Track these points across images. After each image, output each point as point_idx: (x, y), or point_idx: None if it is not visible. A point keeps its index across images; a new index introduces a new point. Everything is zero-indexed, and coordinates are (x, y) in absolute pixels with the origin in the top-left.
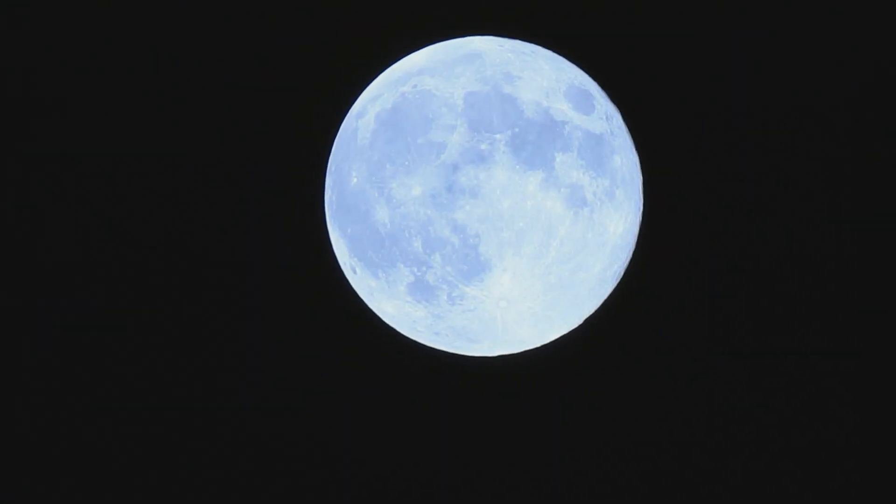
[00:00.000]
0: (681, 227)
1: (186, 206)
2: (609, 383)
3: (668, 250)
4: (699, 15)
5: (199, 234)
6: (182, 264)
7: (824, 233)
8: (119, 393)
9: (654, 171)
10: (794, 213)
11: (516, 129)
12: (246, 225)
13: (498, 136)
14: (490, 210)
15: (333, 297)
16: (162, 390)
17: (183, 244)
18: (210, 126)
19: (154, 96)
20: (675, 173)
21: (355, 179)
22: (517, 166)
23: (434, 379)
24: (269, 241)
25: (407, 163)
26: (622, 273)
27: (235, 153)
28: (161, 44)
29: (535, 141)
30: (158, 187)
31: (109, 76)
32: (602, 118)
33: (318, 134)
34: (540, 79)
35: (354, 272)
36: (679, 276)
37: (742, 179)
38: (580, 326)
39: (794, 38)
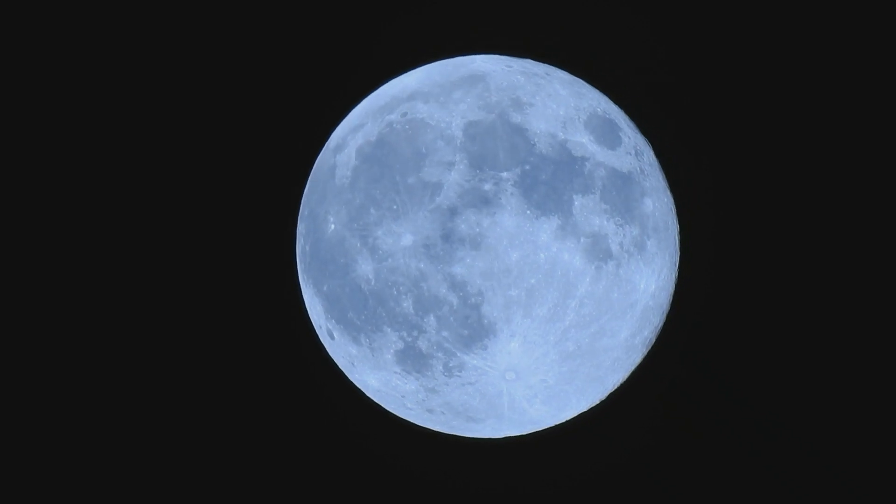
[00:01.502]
0: (723, 283)
1: (131, 261)
2: (636, 472)
3: (709, 311)
4: (748, 33)
5: (149, 287)
6: (129, 332)
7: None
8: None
9: (693, 218)
10: (858, 276)
11: (527, 167)
12: (202, 281)
13: (505, 174)
14: (495, 264)
15: (306, 367)
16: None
17: (126, 304)
18: (160, 161)
19: (105, 128)
20: (716, 220)
21: (333, 226)
22: (528, 211)
23: (427, 465)
24: (231, 301)
25: (395, 206)
26: (654, 340)
27: (189, 195)
28: (118, 73)
29: (550, 181)
30: (104, 230)
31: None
32: (630, 153)
33: (289, 171)
34: (555, 106)
35: (332, 337)
36: (721, 344)
37: (793, 228)
38: (602, 403)
39: (842, 65)
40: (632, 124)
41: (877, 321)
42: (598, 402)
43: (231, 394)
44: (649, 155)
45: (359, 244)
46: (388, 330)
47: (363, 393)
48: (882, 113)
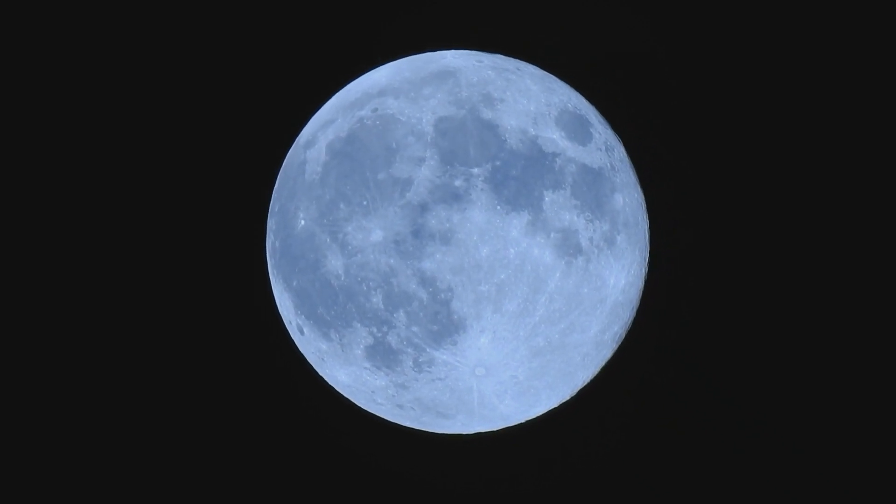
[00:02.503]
0: (693, 280)
1: (97, 255)
2: (606, 469)
3: (678, 308)
4: (722, 28)
5: (116, 282)
6: (95, 326)
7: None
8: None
9: (662, 214)
10: (833, 271)
11: (497, 163)
12: (172, 276)
13: (475, 170)
14: (465, 259)
15: (276, 362)
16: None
17: (93, 298)
18: (128, 156)
19: (72, 123)
20: (687, 217)
21: (303, 222)
22: (498, 207)
23: (397, 461)
24: (200, 296)
25: (365, 202)
26: (623, 336)
27: (159, 190)
28: (86, 66)
29: (520, 176)
30: (68, 224)
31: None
32: (601, 149)
33: (259, 167)
34: (526, 102)
35: (302, 333)
36: (691, 340)
37: (765, 223)
38: (572, 399)
39: (818, 50)
40: (603, 120)
41: (852, 312)
42: (568, 397)
43: (199, 389)
44: (620, 151)
45: (329, 240)
46: (358, 325)
47: (333, 388)
48: (858, 102)
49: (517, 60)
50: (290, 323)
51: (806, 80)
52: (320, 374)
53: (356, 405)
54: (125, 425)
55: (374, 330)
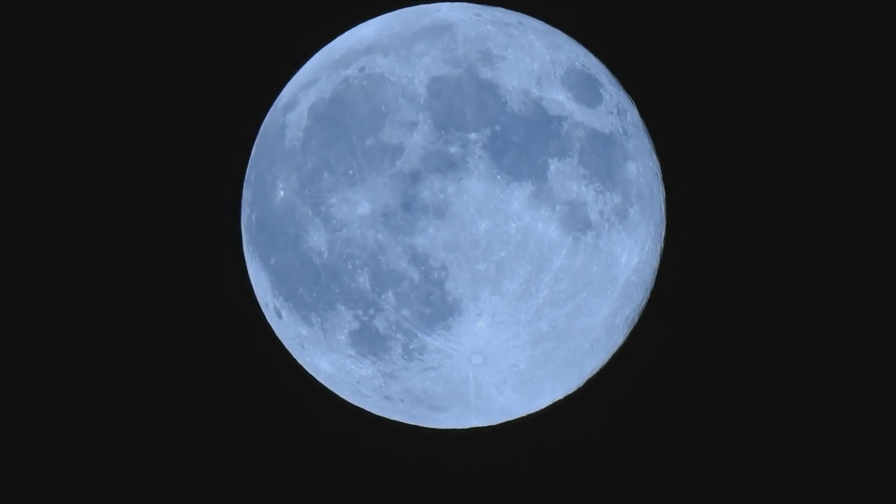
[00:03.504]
0: (714, 257)
1: (60, 233)
2: (615, 466)
3: (696, 289)
4: None
5: (80, 262)
6: (60, 311)
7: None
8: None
9: (679, 185)
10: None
11: (497, 127)
12: (138, 252)
13: (473, 135)
14: (461, 234)
15: (251, 348)
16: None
17: (56, 280)
18: (89, 121)
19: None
20: (708, 187)
21: (282, 193)
22: (498, 176)
23: (385, 458)
24: (169, 275)
25: (351, 171)
26: (636, 319)
27: (124, 158)
28: (44, 18)
29: (523, 143)
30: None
31: None
32: (612, 112)
33: (233, 132)
34: (529, 60)
35: (279, 316)
36: (709, 324)
37: (792, 197)
38: (580, 390)
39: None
40: (614, 80)
41: (871, 307)
42: (574, 388)
43: (170, 378)
44: (633, 114)
45: (310, 213)
46: (342, 308)
47: (314, 378)
48: (875, 88)
49: (520, 14)
50: (267, 305)
51: (832, 40)
52: (300, 362)
53: (339, 397)
54: (89, 411)
55: (360, 313)
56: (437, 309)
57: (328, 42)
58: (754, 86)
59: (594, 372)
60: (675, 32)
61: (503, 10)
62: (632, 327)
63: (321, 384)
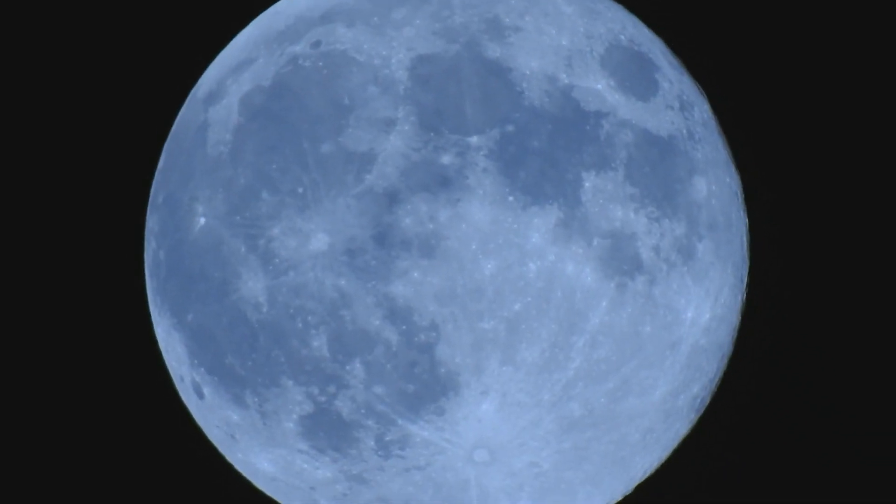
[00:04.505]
0: (814, 309)
1: None
2: None
3: (791, 354)
4: None
5: None
6: None
7: None
8: None
9: (768, 210)
10: None
11: (509, 128)
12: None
13: (474, 139)
14: (458, 280)
15: (159, 440)
16: None
17: None
18: None
19: None
20: (805, 211)
21: (203, 221)
22: (510, 198)
23: None
24: (50, 331)
25: (301, 190)
26: (708, 400)
27: None
28: None
29: (546, 150)
30: None
31: None
32: (673, 108)
33: (134, 134)
34: (556, 32)
35: (200, 396)
36: (810, 403)
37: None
38: (627, 499)
39: None
40: (676, 62)
41: None
42: (619, 497)
43: (53, 479)
44: (703, 110)
45: (243, 249)
46: (290, 384)
47: (249, 482)
48: None
49: None
50: (183, 380)
51: None
52: (229, 459)
53: None
54: None
55: (316, 391)
56: (425, 385)
57: (267, 6)
58: (873, 74)
59: (647, 474)
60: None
61: None
62: (701, 411)
63: (259, 491)
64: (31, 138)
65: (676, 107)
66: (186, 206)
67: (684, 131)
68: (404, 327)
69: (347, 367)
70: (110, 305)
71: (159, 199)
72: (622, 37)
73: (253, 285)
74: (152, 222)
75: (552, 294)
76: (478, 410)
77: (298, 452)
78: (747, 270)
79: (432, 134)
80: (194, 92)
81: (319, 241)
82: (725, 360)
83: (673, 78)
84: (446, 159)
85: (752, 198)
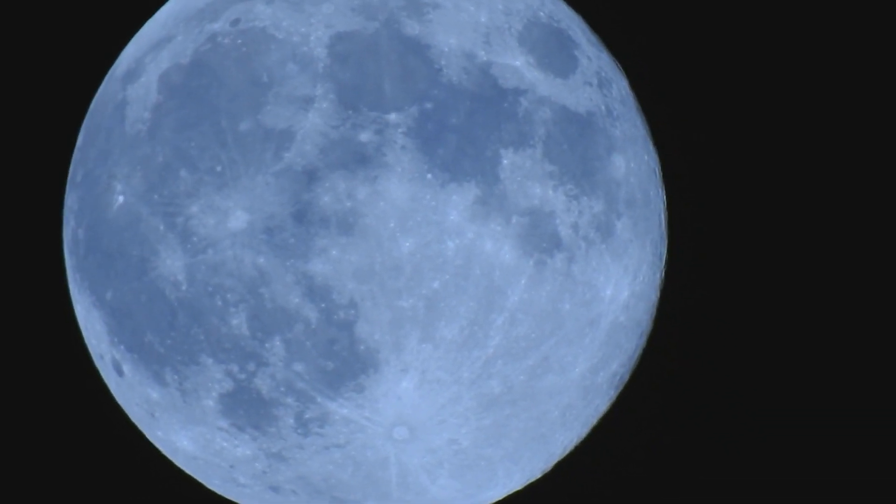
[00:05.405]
0: (733, 285)
1: None
2: None
3: (708, 332)
4: None
5: None
6: None
7: None
8: None
9: (686, 185)
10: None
11: (428, 105)
12: None
13: (392, 116)
14: (377, 258)
15: (78, 418)
16: None
17: None
18: None
19: None
20: (722, 188)
21: (121, 198)
22: (429, 175)
23: None
24: None
25: (220, 168)
26: (627, 377)
27: None
28: None
29: (464, 127)
30: None
31: None
32: (591, 84)
33: (51, 112)
34: (474, 9)
35: (119, 373)
36: (726, 380)
37: (830, 202)
38: (546, 477)
39: None
40: (594, 38)
41: None
42: (539, 474)
43: None
44: (622, 87)
45: (162, 227)
46: (209, 362)
47: (169, 460)
48: None
49: None
50: (102, 357)
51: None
52: (149, 437)
53: (205, 486)
54: None
55: (235, 369)
56: (345, 363)
57: None
58: (792, 51)
59: (567, 451)
60: None
61: None
62: (620, 388)
63: (178, 468)
64: None
65: (595, 84)
66: (105, 184)
67: (603, 108)
68: (323, 305)
69: (267, 345)
70: (29, 283)
71: (78, 177)
72: (541, 13)
73: (172, 263)
74: (71, 200)
75: (471, 271)
76: (397, 388)
77: (218, 430)
78: (665, 248)
79: (351, 111)
80: (113, 70)
81: (238, 219)
82: (644, 337)
83: (591, 55)
84: (365, 137)
85: (669, 175)
